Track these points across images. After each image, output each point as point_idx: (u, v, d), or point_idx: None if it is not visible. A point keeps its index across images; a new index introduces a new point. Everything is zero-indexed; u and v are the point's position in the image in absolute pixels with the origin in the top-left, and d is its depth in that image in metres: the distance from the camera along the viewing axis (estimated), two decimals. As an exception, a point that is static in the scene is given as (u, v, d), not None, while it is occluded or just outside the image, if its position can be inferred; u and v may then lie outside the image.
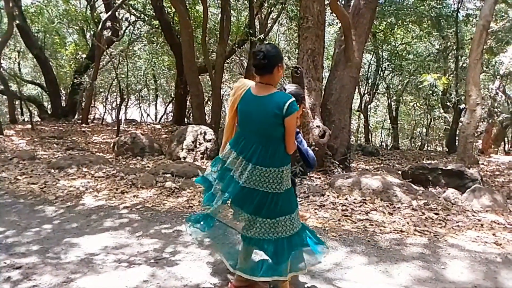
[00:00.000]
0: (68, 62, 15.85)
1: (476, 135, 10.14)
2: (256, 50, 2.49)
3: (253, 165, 2.48)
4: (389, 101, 16.63)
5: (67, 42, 16.30)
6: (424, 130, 18.22)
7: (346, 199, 5.21)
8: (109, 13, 11.92)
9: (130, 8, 13.46)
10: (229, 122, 2.71)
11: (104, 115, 17.85)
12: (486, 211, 4.88)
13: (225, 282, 2.85)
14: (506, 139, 16.30)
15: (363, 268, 3.21)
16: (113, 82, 15.26)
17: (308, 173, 5.82)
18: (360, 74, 12.07)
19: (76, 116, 14.54)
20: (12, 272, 2.95)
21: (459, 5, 12.53)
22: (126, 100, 14.65)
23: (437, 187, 6.04)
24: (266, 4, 11.75)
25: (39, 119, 14.12)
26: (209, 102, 15.68)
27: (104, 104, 18.82)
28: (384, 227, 4.26)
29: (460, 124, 9.91)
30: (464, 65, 12.14)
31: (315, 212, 4.73)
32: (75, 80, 13.19)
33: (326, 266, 3.16)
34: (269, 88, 2.50)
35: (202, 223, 2.65)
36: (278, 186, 2.51)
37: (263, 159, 2.48)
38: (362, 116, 17.28)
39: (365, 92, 16.23)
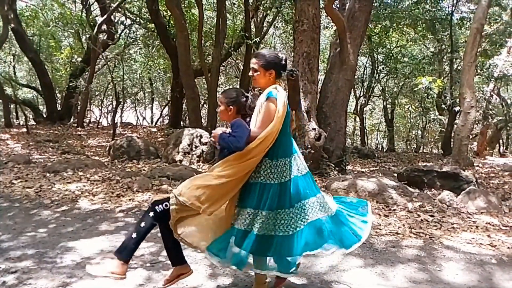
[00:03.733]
0: (63, 65, 15.76)
1: (471, 137, 10.18)
2: (283, 57, 2.55)
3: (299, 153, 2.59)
4: (385, 103, 16.69)
5: (63, 45, 16.23)
6: (420, 132, 18.26)
7: (342, 201, 5.21)
8: (105, 16, 11.91)
9: (126, 11, 13.45)
10: (271, 140, 2.43)
11: (99, 118, 17.79)
12: (481, 213, 4.91)
13: (221, 286, 2.85)
14: (500, 141, 16.39)
15: (359, 270, 3.22)
16: (109, 86, 15.24)
17: None
18: (356, 77, 12.13)
19: (71, 120, 14.46)
20: (8, 276, 2.94)
21: (454, 8, 12.64)
22: (122, 103, 14.66)
23: (433, 189, 6.06)
24: (261, 8, 11.79)
25: (35, 123, 14.05)
26: (205, 105, 15.69)
27: (100, 107, 18.75)
28: (380, 229, 4.27)
29: (455, 126, 9.96)
30: (459, 67, 12.21)
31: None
32: (71, 84, 13.16)
33: (322, 269, 3.17)
34: None
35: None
36: None
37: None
38: (357, 118, 17.34)
39: (361, 94, 16.30)
